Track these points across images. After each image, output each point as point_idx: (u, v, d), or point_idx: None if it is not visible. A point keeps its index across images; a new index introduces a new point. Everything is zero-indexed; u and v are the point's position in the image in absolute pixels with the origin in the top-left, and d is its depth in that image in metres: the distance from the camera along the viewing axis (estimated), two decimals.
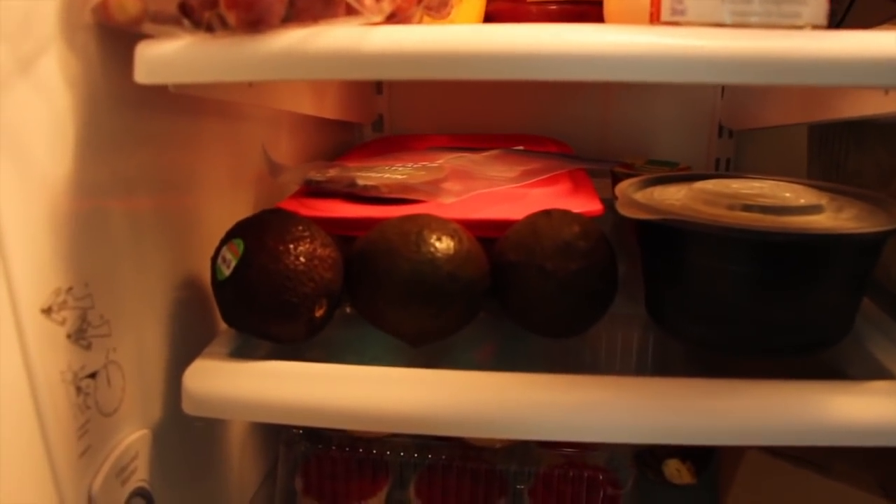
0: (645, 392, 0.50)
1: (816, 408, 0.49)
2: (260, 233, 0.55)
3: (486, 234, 0.58)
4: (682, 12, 0.46)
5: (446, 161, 0.74)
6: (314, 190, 0.70)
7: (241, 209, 0.72)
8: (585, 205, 0.62)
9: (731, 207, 0.56)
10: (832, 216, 0.56)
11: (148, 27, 0.46)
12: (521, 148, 0.87)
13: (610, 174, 0.89)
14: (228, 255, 0.55)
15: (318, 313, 0.55)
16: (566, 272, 0.54)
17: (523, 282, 0.55)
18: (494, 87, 1.03)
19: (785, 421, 0.49)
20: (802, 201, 0.56)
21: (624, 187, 0.62)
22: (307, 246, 0.55)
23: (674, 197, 0.60)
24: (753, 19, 0.45)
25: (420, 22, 0.58)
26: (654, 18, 0.48)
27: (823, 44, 0.41)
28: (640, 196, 0.61)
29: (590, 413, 0.49)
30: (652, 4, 0.48)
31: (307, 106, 0.78)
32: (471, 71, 0.41)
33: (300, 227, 0.55)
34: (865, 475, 0.67)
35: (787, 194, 0.58)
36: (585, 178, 0.74)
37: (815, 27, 0.46)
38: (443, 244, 0.55)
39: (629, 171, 0.89)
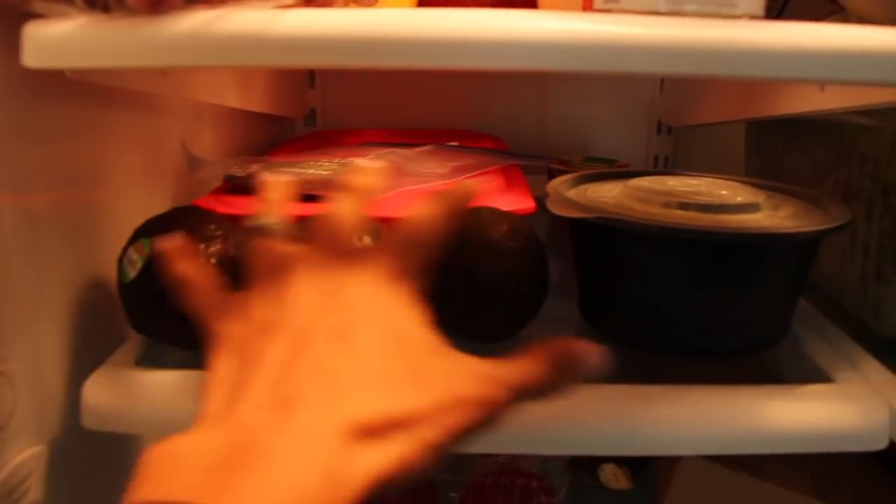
0: (573, 401, 0.48)
1: (751, 415, 0.47)
2: (168, 232, 0.51)
3: None
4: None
5: (375, 157, 0.71)
6: (235, 186, 0.66)
7: (157, 206, 0.68)
8: (517, 202, 0.60)
9: (666, 205, 0.54)
10: (769, 214, 0.54)
11: (38, 5, 0.42)
12: (455, 144, 0.85)
13: (546, 171, 0.87)
14: (135, 256, 0.51)
15: None
16: (494, 273, 0.51)
17: (448, 284, 0.53)
18: (432, 81, 1.00)
19: (720, 430, 0.48)
20: (739, 199, 0.54)
21: (556, 185, 0.59)
22: (220, 246, 0.51)
23: (608, 195, 0.58)
24: (689, 8, 0.43)
25: (342, 6, 0.55)
26: (588, 6, 0.45)
27: (759, 35, 0.39)
28: (574, 193, 0.59)
29: (514, 426, 0.47)
30: None
31: (231, 98, 0.75)
32: (384, 58, 0.38)
33: (212, 226, 0.52)
34: (800, 475, 0.66)
35: (724, 192, 0.56)
36: (519, 175, 0.71)
37: (753, 18, 0.44)
38: (363, 242, 0.52)
39: (566, 168, 0.87)
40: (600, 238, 0.55)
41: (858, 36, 0.40)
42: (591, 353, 0.36)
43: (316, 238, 0.41)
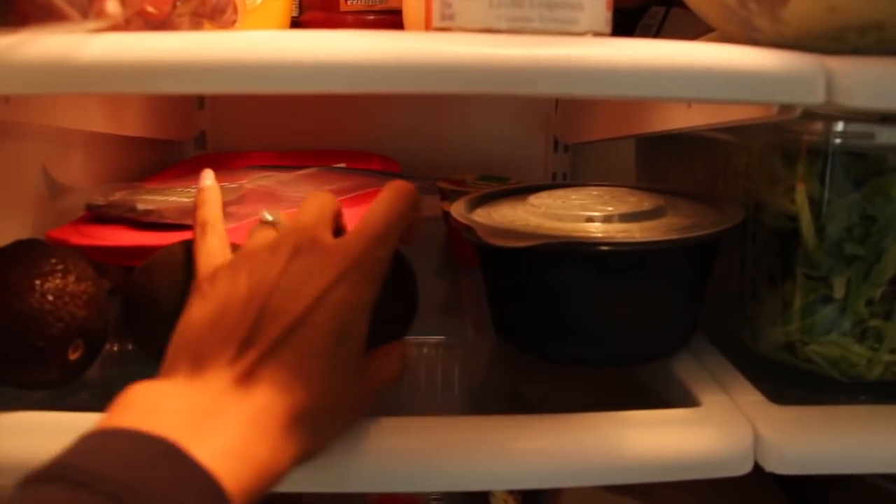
0: (434, 436, 0.46)
1: (611, 445, 0.46)
2: (3, 267, 0.48)
3: None
4: (451, 17, 0.42)
5: (251, 181, 0.69)
6: (96, 216, 0.63)
7: (14, 235, 0.64)
8: None
9: (576, 220, 0.55)
10: (672, 218, 0.56)
11: None
12: (342, 165, 0.83)
13: (438, 190, 0.85)
14: None
15: (73, 356, 0.49)
16: None
17: None
18: (326, 101, 0.98)
19: (577, 462, 0.46)
20: (646, 206, 0.56)
21: (459, 210, 0.58)
22: (58, 282, 0.48)
23: (515, 215, 0.58)
24: (530, 25, 0.42)
25: (195, 30, 0.53)
26: (428, 24, 0.44)
27: (593, 52, 0.38)
28: (479, 216, 0.58)
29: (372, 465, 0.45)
30: (426, 10, 0.44)
31: (98, 123, 0.71)
32: (193, 83, 0.36)
33: (52, 261, 0.49)
34: (688, 497, 0.65)
35: (632, 199, 0.58)
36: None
37: (597, 34, 0.43)
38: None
39: (458, 187, 0.85)
40: (507, 257, 0.54)
41: (693, 54, 0.39)
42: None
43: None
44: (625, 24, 0.70)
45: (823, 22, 0.45)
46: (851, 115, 0.50)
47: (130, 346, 0.56)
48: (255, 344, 0.39)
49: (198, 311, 0.42)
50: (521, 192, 0.64)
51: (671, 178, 0.74)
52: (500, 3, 0.40)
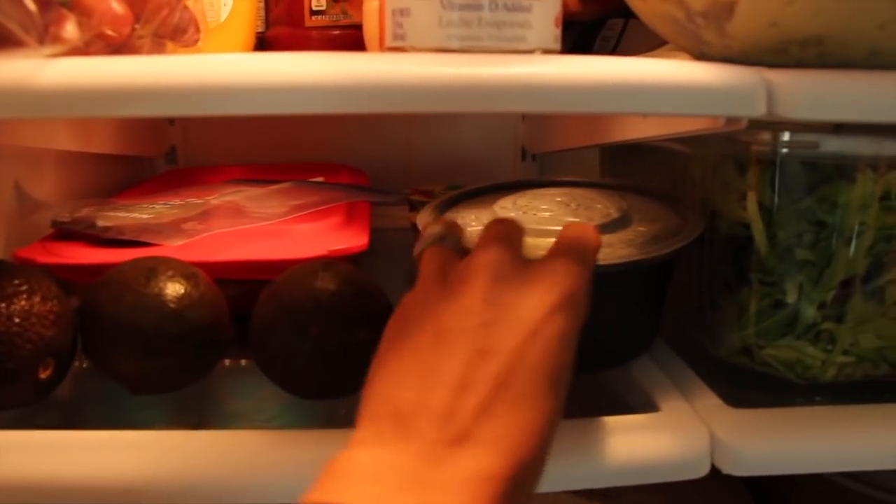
0: None
1: (571, 451, 0.47)
2: None
3: (234, 276, 0.54)
4: (403, 37, 0.43)
5: (218, 197, 0.70)
6: (62, 233, 0.64)
7: None
8: (349, 240, 0.59)
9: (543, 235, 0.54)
10: (635, 230, 0.56)
11: None
12: (320, 179, 0.84)
13: (407, 201, 0.87)
14: None
15: (44, 375, 0.49)
16: (318, 331, 0.50)
17: (271, 335, 0.51)
18: (292, 116, 0.99)
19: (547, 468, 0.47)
20: (612, 214, 0.56)
21: (423, 218, 0.58)
22: (23, 303, 0.49)
23: (480, 224, 0.58)
24: (480, 44, 0.43)
25: (158, 52, 0.53)
26: (382, 44, 0.45)
27: (536, 70, 0.39)
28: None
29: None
30: (379, 29, 0.45)
31: (66, 142, 0.72)
32: (141, 107, 0.37)
33: (16, 282, 0.49)
34: (654, 500, 0.66)
35: (598, 206, 0.58)
36: (364, 211, 0.70)
37: (546, 51, 0.44)
38: (174, 283, 0.50)
39: (427, 198, 0.86)
40: None
41: (638, 70, 0.40)
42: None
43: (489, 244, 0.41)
44: (584, 36, 0.71)
45: (767, 36, 0.47)
46: (800, 126, 0.52)
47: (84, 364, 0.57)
48: (467, 396, 0.34)
49: (392, 356, 0.37)
50: (488, 192, 0.64)
51: None
52: (449, 23, 0.42)
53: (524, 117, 1.01)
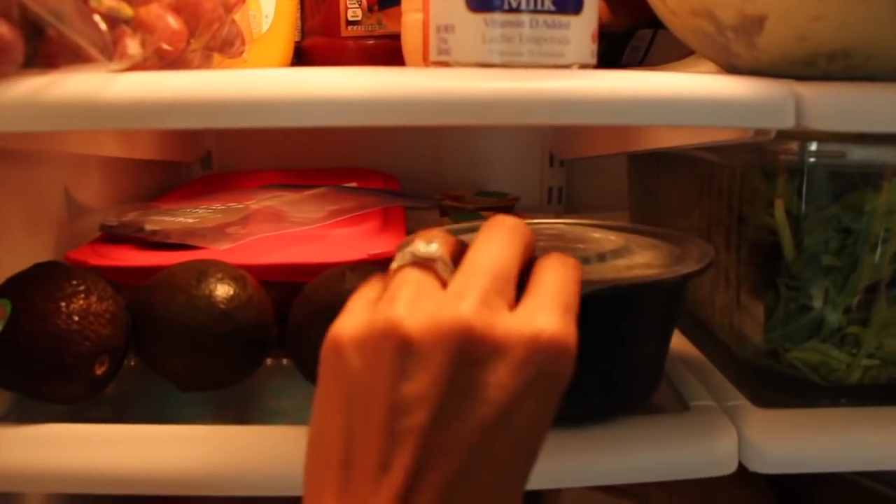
0: None
1: (609, 450, 0.49)
2: (28, 291, 0.51)
3: (277, 278, 0.57)
4: (448, 52, 0.45)
5: (257, 202, 0.72)
6: (109, 236, 0.66)
7: (38, 256, 0.67)
8: (387, 244, 0.61)
9: None
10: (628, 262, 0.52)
11: None
12: (354, 185, 0.86)
13: (438, 206, 0.89)
14: None
15: (100, 371, 0.52)
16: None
17: (305, 338, 0.54)
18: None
19: (580, 465, 0.49)
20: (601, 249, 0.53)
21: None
22: (81, 302, 0.51)
23: None
24: (521, 59, 0.45)
25: (207, 63, 0.56)
26: (426, 58, 0.47)
27: (577, 84, 0.41)
28: None
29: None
30: (423, 44, 0.47)
31: (112, 149, 0.75)
32: (207, 120, 0.39)
33: (74, 282, 0.52)
34: (680, 500, 0.68)
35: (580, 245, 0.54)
36: (399, 216, 0.73)
37: (583, 66, 0.46)
38: (223, 285, 0.53)
39: (457, 203, 0.89)
40: None
41: (671, 84, 0.42)
42: None
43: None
44: (614, 46, 0.73)
45: (795, 49, 0.48)
46: (827, 135, 0.53)
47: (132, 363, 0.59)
48: (416, 488, 0.31)
49: (340, 421, 0.33)
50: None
51: (661, 194, 0.77)
52: (492, 39, 0.44)
53: None
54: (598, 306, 0.41)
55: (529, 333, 0.32)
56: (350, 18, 0.78)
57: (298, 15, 0.80)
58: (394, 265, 0.36)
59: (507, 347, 0.32)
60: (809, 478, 0.73)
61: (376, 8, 0.77)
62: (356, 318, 0.33)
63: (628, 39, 0.73)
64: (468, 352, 0.31)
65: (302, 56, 0.81)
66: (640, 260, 0.52)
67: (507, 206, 0.90)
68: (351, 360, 0.32)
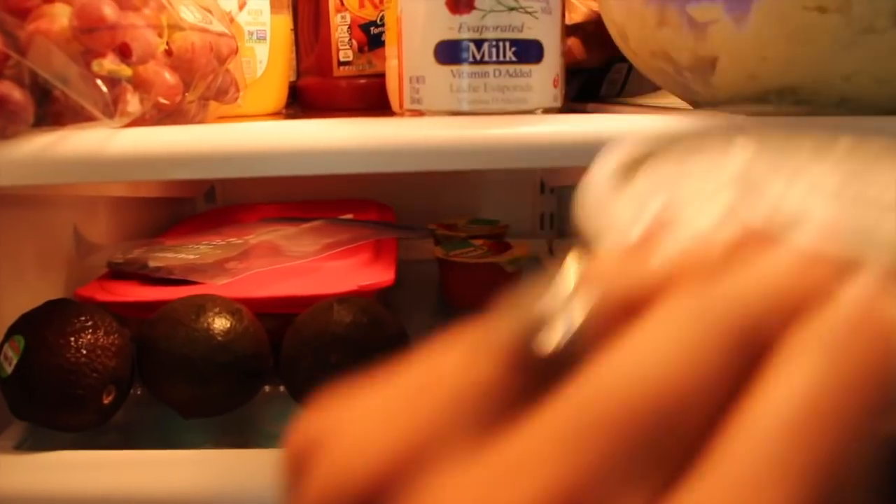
0: None
1: None
2: (39, 327, 0.55)
3: (273, 310, 0.61)
4: (420, 101, 0.49)
5: (256, 236, 0.76)
6: (116, 273, 0.70)
7: (48, 293, 0.71)
8: (376, 276, 0.65)
9: None
10: None
11: None
12: (350, 216, 0.90)
13: (432, 235, 0.92)
14: (10, 353, 0.55)
15: (107, 400, 0.56)
16: (336, 360, 0.56)
17: (296, 366, 0.58)
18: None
19: None
20: None
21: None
22: (89, 337, 0.55)
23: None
24: (487, 107, 0.49)
25: (203, 111, 0.59)
26: (401, 106, 0.51)
27: (535, 129, 0.45)
28: None
29: None
30: (399, 93, 0.51)
31: (117, 189, 0.79)
32: (205, 171, 0.43)
33: (83, 318, 0.56)
34: None
35: None
36: (391, 247, 0.76)
37: (547, 110, 0.50)
38: (221, 318, 0.57)
39: (450, 231, 0.92)
40: None
41: (620, 126, 0.46)
42: None
43: None
44: (592, 80, 0.77)
45: (746, 87, 0.52)
46: None
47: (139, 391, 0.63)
48: None
49: None
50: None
51: None
52: (459, 88, 0.48)
53: None
54: None
55: None
56: (342, 59, 0.82)
57: (293, 57, 0.84)
58: None
59: None
60: None
61: (366, 48, 0.81)
62: None
63: (605, 73, 0.77)
64: None
65: (298, 94, 0.85)
66: None
67: (497, 233, 0.93)
68: None
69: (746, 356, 0.16)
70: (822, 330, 0.16)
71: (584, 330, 0.17)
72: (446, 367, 0.18)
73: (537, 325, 0.17)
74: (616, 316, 0.17)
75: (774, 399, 0.15)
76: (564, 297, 0.17)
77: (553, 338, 0.17)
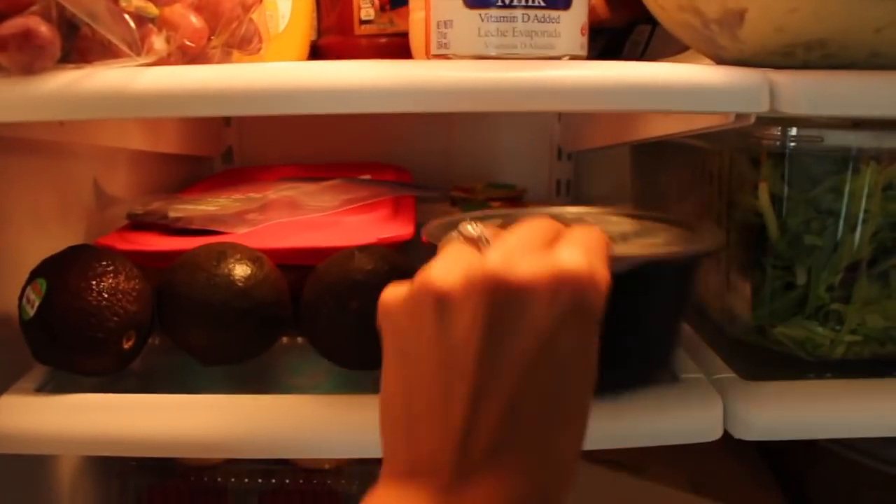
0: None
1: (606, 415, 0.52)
2: (62, 271, 0.55)
3: (292, 261, 0.61)
4: (447, 45, 0.49)
5: (276, 192, 0.76)
6: (136, 224, 0.71)
7: (69, 242, 0.72)
8: (396, 230, 0.65)
9: None
10: (646, 243, 0.56)
11: None
12: (367, 177, 0.90)
13: (449, 198, 0.92)
14: (32, 295, 0.55)
15: (127, 345, 0.56)
16: (357, 306, 0.56)
17: (316, 313, 0.58)
18: (340, 118, 1.05)
19: None
20: (620, 230, 0.58)
21: (430, 230, 0.58)
22: (110, 281, 0.55)
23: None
24: (514, 51, 0.48)
25: (226, 59, 0.59)
26: (427, 52, 0.51)
27: (565, 73, 0.45)
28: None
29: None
30: (425, 39, 0.51)
31: (138, 142, 0.79)
32: (227, 108, 0.43)
33: (104, 263, 0.56)
34: (678, 473, 0.71)
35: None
36: (410, 205, 0.76)
37: (573, 57, 0.50)
38: (241, 265, 0.57)
39: (468, 195, 0.92)
40: None
41: (652, 73, 0.46)
42: None
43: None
44: (615, 41, 0.76)
45: (774, 40, 0.52)
46: (808, 121, 0.57)
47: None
48: (476, 436, 0.34)
49: (398, 401, 0.37)
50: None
51: (660, 183, 0.80)
52: (487, 33, 0.47)
53: (560, 117, 1.06)
54: (630, 280, 0.43)
55: (554, 269, 0.35)
56: (363, 18, 0.82)
57: (314, 15, 0.84)
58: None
59: (535, 285, 0.34)
60: (804, 458, 0.76)
61: (388, 7, 0.81)
62: (400, 287, 0.38)
63: (628, 34, 0.76)
64: (500, 293, 0.34)
65: (318, 54, 0.85)
66: (658, 240, 0.56)
67: (515, 197, 0.93)
68: (399, 320, 0.37)
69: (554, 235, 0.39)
70: (573, 231, 0.39)
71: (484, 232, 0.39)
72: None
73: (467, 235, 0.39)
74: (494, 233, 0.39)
75: (573, 232, 0.39)
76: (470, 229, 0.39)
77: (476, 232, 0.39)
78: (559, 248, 0.37)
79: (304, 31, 0.77)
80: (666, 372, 0.59)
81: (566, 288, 0.35)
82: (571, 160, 1.08)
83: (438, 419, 0.35)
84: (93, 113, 0.45)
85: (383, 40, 0.82)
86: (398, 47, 0.80)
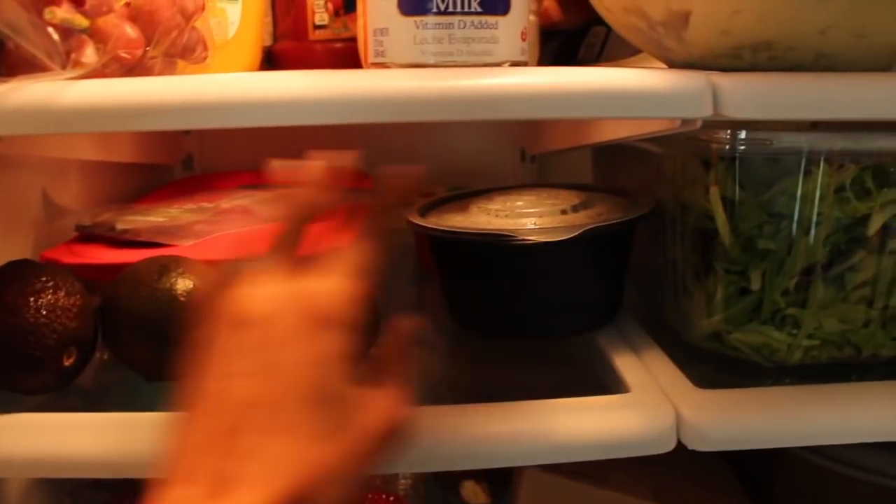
0: None
1: (553, 428, 0.51)
2: None
3: None
4: (384, 54, 0.48)
5: (229, 200, 0.75)
6: (84, 236, 0.69)
7: (14, 256, 0.70)
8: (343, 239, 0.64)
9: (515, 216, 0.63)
10: (587, 213, 0.63)
11: None
12: None
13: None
14: None
15: (68, 362, 0.55)
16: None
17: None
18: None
19: (528, 442, 0.51)
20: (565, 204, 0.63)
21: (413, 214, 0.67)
22: (49, 297, 0.54)
23: (456, 214, 0.67)
24: (452, 58, 0.47)
25: (170, 69, 0.58)
26: (365, 61, 0.50)
27: (499, 80, 0.44)
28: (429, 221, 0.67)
29: None
30: (363, 47, 0.50)
31: (88, 152, 0.77)
32: (147, 122, 0.42)
33: (44, 278, 0.55)
34: (640, 482, 0.70)
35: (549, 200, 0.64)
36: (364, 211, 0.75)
37: (515, 63, 0.49)
38: (184, 278, 0.56)
39: (430, 199, 0.91)
40: (440, 250, 0.66)
41: (589, 78, 0.45)
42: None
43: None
44: (569, 43, 0.76)
45: (720, 42, 0.51)
46: (757, 124, 0.56)
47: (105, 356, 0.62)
48: (234, 449, 0.37)
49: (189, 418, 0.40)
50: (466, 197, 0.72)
51: (620, 183, 0.79)
52: (423, 40, 0.46)
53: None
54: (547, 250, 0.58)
55: (289, 289, 0.42)
56: (317, 23, 0.81)
57: (268, 20, 0.83)
58: None
59: (266, 309, 0.40)
60: (769, 464, 0.76)
61: (342, 12, 0.80)
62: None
63: (583, 36, 0.75)
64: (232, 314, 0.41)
65: (273, 59, 0.83)
66: (601, 209, 0.64)
67: None
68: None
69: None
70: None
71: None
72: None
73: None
74: None
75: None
76: None
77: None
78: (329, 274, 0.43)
79: (254, 38, 0.75)
80: (617, 381, 0.58)
81: (327, 312, 0.40)
82: (535, 162, 1.07)
83: (181, 437, 0.39)
84: (17, 129, 0.43)
85: (338, 45, 0.81)
86: (353, 52, 0.79)
